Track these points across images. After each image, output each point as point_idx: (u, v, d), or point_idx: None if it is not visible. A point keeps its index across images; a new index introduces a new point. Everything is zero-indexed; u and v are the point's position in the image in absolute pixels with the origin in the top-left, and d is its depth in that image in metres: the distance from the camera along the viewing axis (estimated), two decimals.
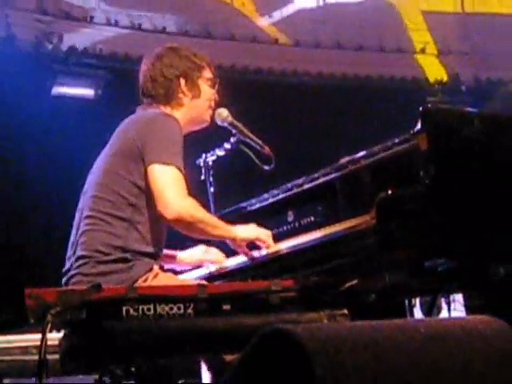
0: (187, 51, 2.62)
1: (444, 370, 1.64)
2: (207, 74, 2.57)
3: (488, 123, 2.19)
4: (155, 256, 2.36)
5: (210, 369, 2.46)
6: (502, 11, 7.41)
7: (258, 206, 2.71)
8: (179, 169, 2.30)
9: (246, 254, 2.44)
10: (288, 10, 7.44)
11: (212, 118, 2.65)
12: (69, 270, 2.34)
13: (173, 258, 2.69)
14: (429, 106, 2.13)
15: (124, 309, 1.97)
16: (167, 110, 2.48)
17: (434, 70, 7.09)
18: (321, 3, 7.32)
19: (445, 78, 7.08)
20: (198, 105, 2.56)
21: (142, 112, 2.51)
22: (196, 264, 2.71)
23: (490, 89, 6.53)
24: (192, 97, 2.52)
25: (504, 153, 2.14)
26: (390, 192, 2.02)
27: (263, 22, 7.06)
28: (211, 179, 2.78)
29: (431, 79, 7.02)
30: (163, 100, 2.49)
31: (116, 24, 5.20)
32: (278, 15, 7.19)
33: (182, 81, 2.51)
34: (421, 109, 2.04)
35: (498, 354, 1.72)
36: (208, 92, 2.58)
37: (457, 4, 7.52)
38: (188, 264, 2.71)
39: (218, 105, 2.65)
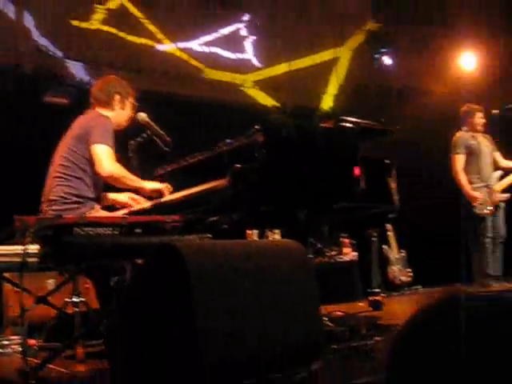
0: (124, 82, 3.75)
1: (253, 264, 2.30)
2: (132, 99, 3.72)
3: (297, 127, 3.21)
4: (96, 200, 3.48)
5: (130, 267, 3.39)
6: None
7: (160, 172, 3.78)
8: (109, 146, 3.42)
9: (152, 199, 3.56)
10: None
11: (128, 124, 3.75)
12: (44, 207, 3.42)
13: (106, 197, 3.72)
14: (265, 118, 3.03)
15: (75, 230, 2.68)
16: (104, 110, 3.60)
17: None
18: None
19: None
20: (123, 114, 3.71)
21: (88, 112, 3.61)
22: (120, 203, 3.71)
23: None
24: (120, 107, 3.67)
25: (304, 144, 3.20)
26: (238, 166, 2.98)
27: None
28: (134, 155, 3.85)
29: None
30: (102, 103, 3.62)
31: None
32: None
33: (117, 96, 3.65)
34: (259, 118, 3.13)
35: (291, 258, 2.47)
36: (129, 109, 3.72)
37: None
38: (114, 202, 3.73)
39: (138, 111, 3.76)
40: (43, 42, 6.67)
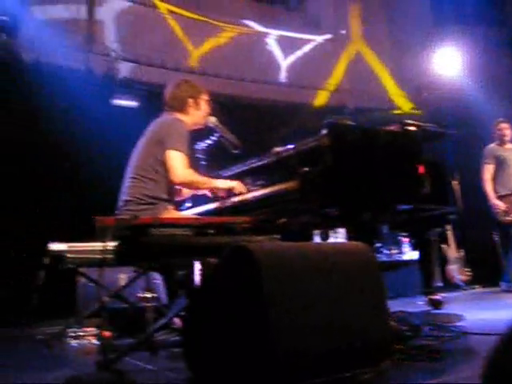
0: (193, 82, 3.87)
1: (323, 264, 2.37)
2: (205, 97, 3.83)
3: (362, 131, 3.30)
4: (170, 201, 3.63)
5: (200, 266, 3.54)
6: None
7: (229, 173, 3.84)
8: (183, 152, 3.55)
9: (224, 198, 3.68)
10: None
11: (206, 120, 3.85)
12: (120, 206, 3.60)
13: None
14: (330, 120, 3.08)
15: (151, 230, 2.83)
16: (179, 115, 3.73)
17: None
18: None
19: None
20: (198, 114, 3.82)
21: (164, 116, 3.75)
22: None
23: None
24: (195, 109, 3.79)
25: (370, 149, 3.25)
26: (306, 168, 3.05)
27: None
28: (203, 157, 4.02)
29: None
30: (177, 109, 3.75)
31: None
32: None
33: (190, 100, 3.78)
34: (325, 121, 3.11)
35: (358, 259, 2.52)
36: (204, 107, 3.84)
37: None
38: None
39: (210, 114, 3.88)
40: (112, 47, 6.97)
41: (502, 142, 6.65)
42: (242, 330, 2.24)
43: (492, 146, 6.68)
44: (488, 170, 6.54)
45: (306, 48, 8.96)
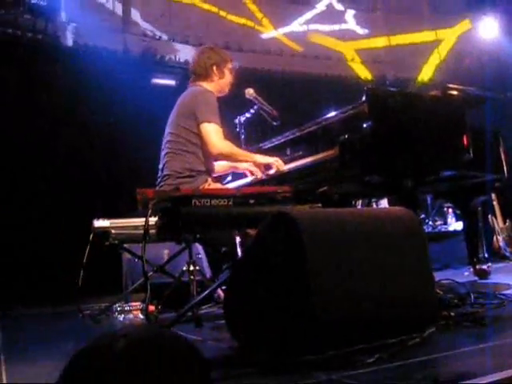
0: (218, 49, 3.86)
1: (366, 230, 2.36)
2: (229, 65, 3.81)
3: (403, 97, 3.24)
4: (209, 173, 3.64)
5: (240, 238, 3.54)
6: None
7: (269, 145, 3.87)
8: (217, 123, 3.55)
9: (263, 172, 3.69)
10: None
11: (230, 90, 3.85)
12: (159, 182, 3.63)
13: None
14: (369, 86, 3.04)
15: (193, 201, 2.82)
16: (204, 84, 3.73)
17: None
18: None
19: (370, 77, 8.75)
20: (223, 82, 3.82)
21: (191, 88, 3.75)
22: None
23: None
24: (219, 78, 3.79)
25: (411, 113, 3.20)
26: (346, 136, 3.06)
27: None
28: (243, 130, 4.02)
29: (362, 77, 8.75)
30: (203, 78, 3.76)
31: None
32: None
33: (215, 67, 3.77)
34: (365, 88, 3.13)
35: (400, 223, 2.48)
36: (228, 76, 3.84)
37: None
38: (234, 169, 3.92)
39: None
40: (148, 27, 7.02)
41: None
42: (286, 298, 2.23)
43: None
44: None
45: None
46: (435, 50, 9.22)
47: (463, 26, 9.34)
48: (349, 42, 8.76)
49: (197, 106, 3.60)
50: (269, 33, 7.92)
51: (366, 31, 8.97)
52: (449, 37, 9.32)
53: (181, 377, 1.44)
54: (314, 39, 8.38)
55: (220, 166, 3.92)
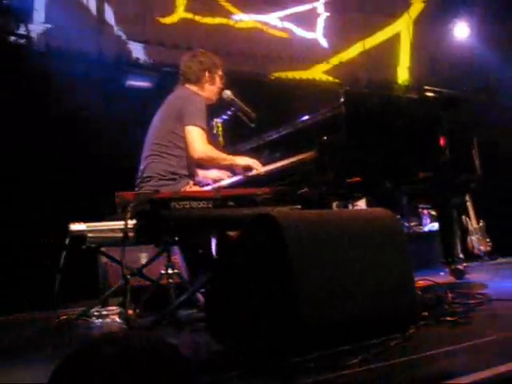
0: (211, 54, 3.83)
1: (348, 231, 2.36)
2: (220, 72, 3.79)
3: (380, 99, 3.29)
4: (190, 177, 3.61)
5: (217, 240, 3.50)
6: None
7: (247, 147, 3.85)
8: (202, 127, 3.53)
9: (242, 174, 3.68)
10: None
11: (218, 98, 3.82)
12: (139, 183, 3.59)
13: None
14: (346, 89, 3.04)
15: (172, 203, 2.78)
16: (194, 88, 3.70)
17: None
18: None
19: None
20: (212, 89, 3.79)
21: (180, 90, 3.71)
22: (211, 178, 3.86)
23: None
24: (210, 84, 3.76)
25: (387, 116, 3.24)
26: (324, 138, 3.07)
27: None
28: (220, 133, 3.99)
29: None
30: (192, 82, 3.72)
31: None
32: None
33: (207, 73, 3.74)
34: (342, 90, 3.14)
35: (381, 224, 2.50)
36: (218, 82, 3.80)
37: None
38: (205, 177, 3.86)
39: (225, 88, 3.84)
40: (121, 33, 6.98)
41: None
42: (269, 300, 2.23)
43: None
44: None
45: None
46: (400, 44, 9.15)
47: (416, 7, 9.28)
48: (318, 66, 8.56)
49: (185, 108, 3.58)
50: (243, 16, 7.83)
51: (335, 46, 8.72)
52: (407, 23, 9.14)
53: (167, 380, 1.43)
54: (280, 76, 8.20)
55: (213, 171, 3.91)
